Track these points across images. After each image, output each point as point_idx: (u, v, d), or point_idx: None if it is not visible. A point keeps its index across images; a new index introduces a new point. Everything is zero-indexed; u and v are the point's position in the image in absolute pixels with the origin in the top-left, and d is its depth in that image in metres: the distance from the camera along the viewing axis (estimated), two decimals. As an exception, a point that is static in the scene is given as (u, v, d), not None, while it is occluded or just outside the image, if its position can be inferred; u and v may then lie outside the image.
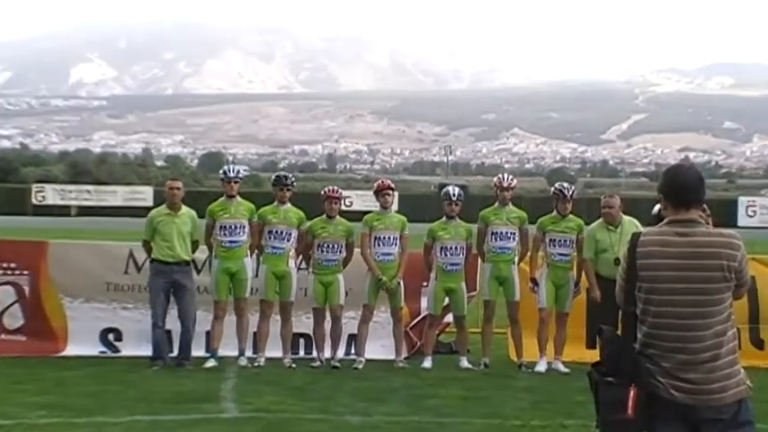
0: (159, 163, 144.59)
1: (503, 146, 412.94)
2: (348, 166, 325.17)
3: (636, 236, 4.74)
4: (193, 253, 11.65)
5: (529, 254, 12.04)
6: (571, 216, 11.96)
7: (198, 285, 11.71)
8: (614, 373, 4.51)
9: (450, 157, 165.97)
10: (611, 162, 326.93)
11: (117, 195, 68.97)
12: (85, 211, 64.36)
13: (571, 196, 11.91)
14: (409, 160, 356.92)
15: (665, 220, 4.70)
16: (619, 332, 4.76)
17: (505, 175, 12.33)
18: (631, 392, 4.45)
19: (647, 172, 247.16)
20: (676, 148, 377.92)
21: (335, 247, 11.66)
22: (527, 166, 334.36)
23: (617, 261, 11.13)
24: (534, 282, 11.89)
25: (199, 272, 11.83)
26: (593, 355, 11.05)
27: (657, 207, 6.71)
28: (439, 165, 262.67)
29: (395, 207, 12.31)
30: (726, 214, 54.28)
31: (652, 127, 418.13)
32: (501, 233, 11.84)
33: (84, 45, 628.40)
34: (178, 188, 11.71)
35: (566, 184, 12.24)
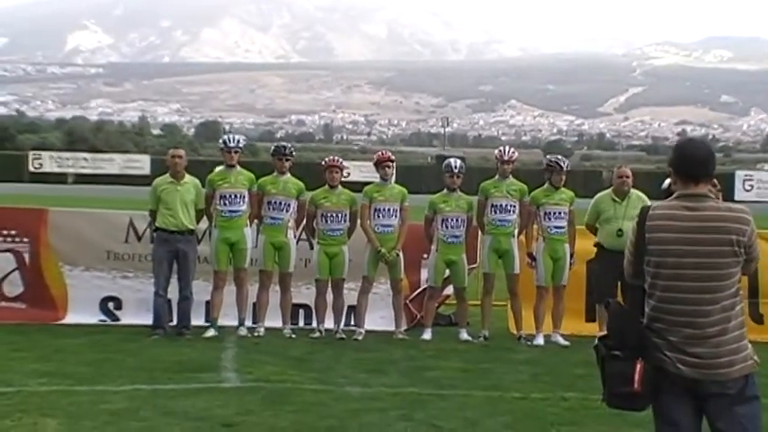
0: (156, 131, 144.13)
1: (500, 118, 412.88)
2: (345, 137, 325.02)
3: (645, 209, 4.73)
4: (198, 222, 11.62)
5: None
6: (563, 189, 11.95)
7: (199, 255, 11.68)
8: (621, 347, 4.49)
9: (447, 129, 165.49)
10: (608, 135, 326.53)
11: (114, 163, 68.99)
12: (82, 178, 64.43)
13: (565, 169, 11.92)
14: (406, 131, 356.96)
15: (675, 195, 4.69)
16: (625, 305, 4.76)
17: (506, 148, 12.30)
18: (638, 366, 4.44)
19: (644, 145, 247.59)
20: (673, 121, 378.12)
21: (339, 216, 11.64)
22: (524, 138, 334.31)
23: (619, 233, 11.16)
24: (531, 257, 11.88)
25: (199, 242, 11.79)
26: (592, 329, 11.22)
27: (667, 181, 6.70)
28: (436, 136, 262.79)
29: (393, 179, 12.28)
30: (723, 188, 54.34)
31: (649, 100, 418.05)
32: (501, 206, 11.82)
33: (81, 11, 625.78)
34: (180, 156, 11.64)
35: (560, 157, 12.26)
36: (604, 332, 4.63)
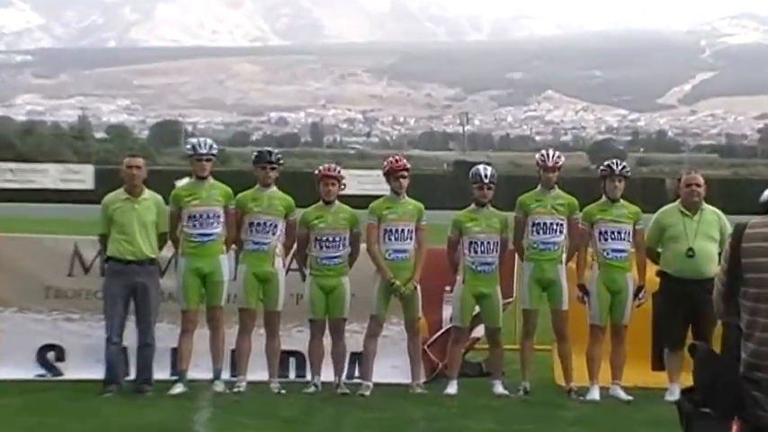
0: (100, 134, 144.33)
1: (533, 113, 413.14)
2: (338, 139, 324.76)
3: (740, 228, 4.73)
4: (161, 249, 11.64)
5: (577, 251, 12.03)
6: (624, 202, 11.95)
7: (162, 290, 11.69)
8: (712, 403, 4.49)
9: (466, 128, 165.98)
10: (670, 133, 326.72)
11: (47, 176, 69.07)
12: (7, 195, 64.27)
13: (623, 174, 11.92)
14: (416, 131, 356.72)
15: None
16: (715, 349, 4.75)
17: (550, 152, 12.30)
18: (734, 427, 4.44)
19: (717, 145, 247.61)
20: (753, 114, 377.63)
21: (337, 240, 11.66)
22: (564, 138, 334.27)
23: (690, 253, 11.17)
24: (583, 289, 11.86)
25: (162, 274, 11.80)
26: (660, 379, 11.17)
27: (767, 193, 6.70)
28: (453, 137, 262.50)
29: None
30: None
31: (723, 88, 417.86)
32: (544, 224, 11.83)
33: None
34: (138, 167, 11.66)
35: (616, 160, 12.26)
36: (690, 384, 4.61)
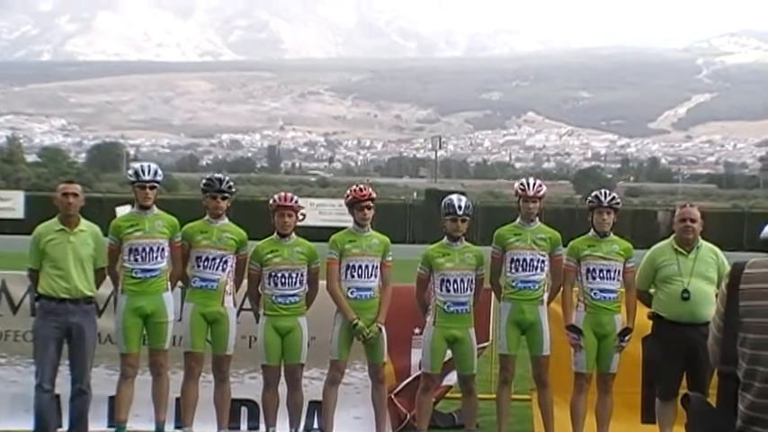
0: (31, 158, 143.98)
1: (512, 137, 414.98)
2: (298, 164, 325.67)
3: (737, 268, 4.75)
4: (98, 286, 11.59)
5: (561, 291, 12.04)
6: (615, 237, 11.98)
7: (99, 332, 11.65)
8: (707, 460, 4.50)
9: (439, 153, 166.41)
10: (663, 161, 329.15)
11: (-28, 203, 68.59)
12: (-73, 225, 63.97)
13: (612, 206, 11.94)
14: (383, 156, 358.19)
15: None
16: (712, 400, 4.77)
17: (531, 180, 12.28)
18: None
19: (715, 175, 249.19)
20: (754, 141, 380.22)
21: (293, 277, 11.64)
22: (546, 165, 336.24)
23: (685, 295, 11.20)
24: (574, 329, 11.81)
25: (100, 314, 11.75)
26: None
27: (768, 229, 6.73)
28: (424, 163, 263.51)
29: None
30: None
31: (721, 112, 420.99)
32: (524, 261, 11.85)
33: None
34: (75, 194, 11.58)
35: (605, 191, 12.28)
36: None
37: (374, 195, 12.02)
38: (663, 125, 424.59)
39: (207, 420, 11.60)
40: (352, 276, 11.67)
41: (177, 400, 11.75)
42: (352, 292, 11.65)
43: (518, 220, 12.10)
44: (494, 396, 12.08)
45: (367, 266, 11.69)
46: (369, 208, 11.87)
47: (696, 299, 11.22)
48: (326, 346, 11.70)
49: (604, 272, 11.76)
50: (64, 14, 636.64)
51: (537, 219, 12.11)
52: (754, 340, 4.61)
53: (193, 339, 11.56)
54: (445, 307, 11.72)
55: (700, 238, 11.66)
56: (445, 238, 11.93)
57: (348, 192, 12.22)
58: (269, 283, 11.63)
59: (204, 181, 12.16)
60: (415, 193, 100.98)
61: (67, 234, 11.40)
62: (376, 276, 11.73)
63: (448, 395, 12.67)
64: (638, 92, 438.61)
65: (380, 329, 11.67)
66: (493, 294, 12.16)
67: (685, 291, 11.25)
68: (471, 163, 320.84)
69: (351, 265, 11.68)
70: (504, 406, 11.90)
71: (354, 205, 11.93)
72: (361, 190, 12.05)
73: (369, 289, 11.69)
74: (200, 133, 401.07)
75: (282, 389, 11.73)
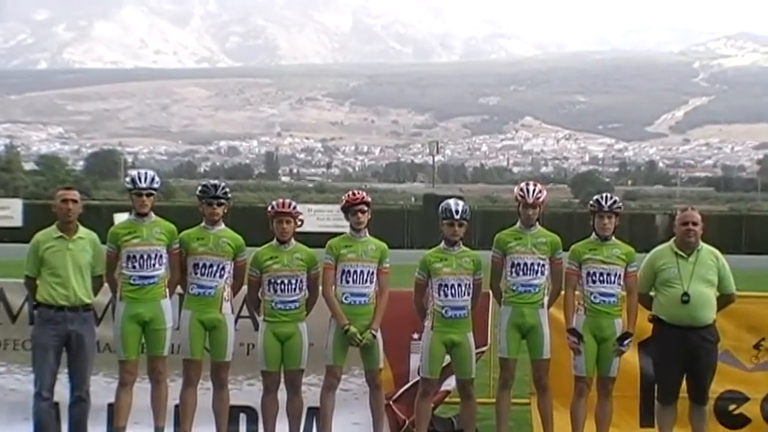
0: (29, 166, 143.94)
1: (510, 142, 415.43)
2: (295, 170, 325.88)
3: None
4: (96, 293, 11.57)
5: (562, 294, 12.02)
6: (616, 240, 11.95)
7: (98, 340, 11.63)
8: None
9: (437, 158, 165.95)
10: (660, 164, 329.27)
11: (-30, 212, 68.54)
12: (-76, 233, 63.89)
13: (614, 210, 11.90)
14: (380, 162, 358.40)
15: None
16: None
17: (530, 186, 12.18)
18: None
19: (712, 178, 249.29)
20: (752, 144, 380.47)
21: (293, 282, 11.62)
22: (544, 169, 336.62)
23: (685, 298, 11.17)
24: (575, 333, 11.78)
25: (98, 321, 11.75)
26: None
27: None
28: (422, 168, 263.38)
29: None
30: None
31: (718, 115, 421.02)
32: (524, 265, 11.81)
33: None
34: (74, 201, 11.56)
35: (606, 195, 12.23)
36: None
37: (368, 199, 11.97)
38: (660, 129, 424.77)
39: (206, 427, 11.56)
40: (347, 282, 11.66)
41: (176, 407, 11.70)
42: (346, 298, 11.64)
43: (518, 224, 12.06)
44: (493, 400, 12.05)
45: (362, 272, 11.67)
46: (363, 212, 11.84)
47: (696, 302, 11.20)
48: (323, 352, 11.67)
49: (604, 275, 11.72)
50: (60, 23, 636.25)
51: (537, 223, 12.07)
52: None
53: (192, 347, 11.52)
54: (443, 312, 11.69)
55: (700, 241, 11.65)
56: (443, 242, 11.90)
57: (342, 197, 12.20)
58: (269, 290, 11.61)
59: (200, 188, 12.10)
60: (412, 199, 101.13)
61: (66, 241, 11.37)
62: (372, 282, 11.70)
63: (447, 400, 12.62)
64: (636, 95, 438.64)
65: (375, 335, 11.65)
66: (490, 299, 12.14)
67: (685, 294, 11.23)
68: (469, 168, 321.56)
69: (346, 270, 11.66)
70: (504, 410, 11.85)
71: (348, 210, 11.91)
72: (354, 194, 12.03)
73: (363, 295, 11.67)
74: (197, 140, 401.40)
75: (282, 395, 11.73)
